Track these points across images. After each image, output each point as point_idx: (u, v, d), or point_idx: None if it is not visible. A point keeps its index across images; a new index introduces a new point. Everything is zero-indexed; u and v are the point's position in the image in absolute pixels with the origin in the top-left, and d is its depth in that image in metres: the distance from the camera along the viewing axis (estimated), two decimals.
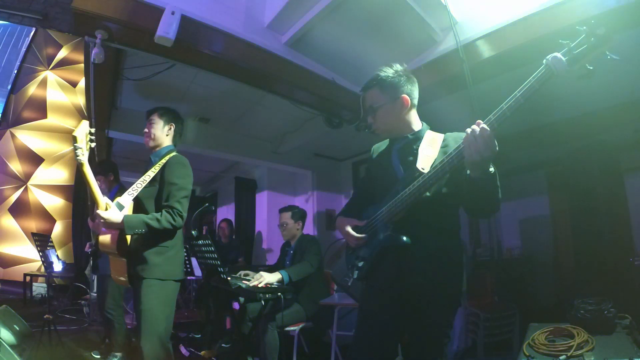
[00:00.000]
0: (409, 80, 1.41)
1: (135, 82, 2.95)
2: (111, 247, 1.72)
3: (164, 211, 1.72)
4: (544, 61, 0.98)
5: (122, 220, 1.64)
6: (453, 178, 1.26)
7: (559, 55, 0.97)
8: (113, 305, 2.78)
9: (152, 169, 1.85)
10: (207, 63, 2.45)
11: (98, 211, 1.63)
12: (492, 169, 1.10)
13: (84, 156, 1.55)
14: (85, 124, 1.59)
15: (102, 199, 1.66)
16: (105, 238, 1.73)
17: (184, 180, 1.82)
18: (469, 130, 1.06)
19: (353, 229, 1.42)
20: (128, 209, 1.74)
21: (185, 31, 2.09)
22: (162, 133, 1.95)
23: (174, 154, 1.91)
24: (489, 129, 1.03)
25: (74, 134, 1.52)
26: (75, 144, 1.52)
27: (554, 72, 0.96)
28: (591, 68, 0.96)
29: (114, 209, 1.66)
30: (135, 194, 1.78)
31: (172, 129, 1.99)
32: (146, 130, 1.96)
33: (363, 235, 1.39)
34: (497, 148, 1.03)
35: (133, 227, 1.65)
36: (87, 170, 1.60)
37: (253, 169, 5.50)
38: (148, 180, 1.82)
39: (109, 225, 1.65)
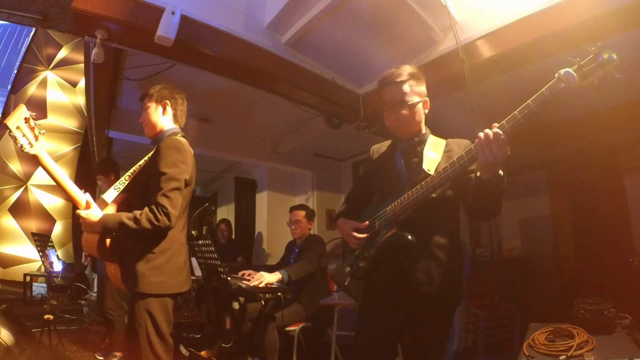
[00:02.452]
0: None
1: (135, 82, 2.95)
2: (92, 250, 1.50)
3: (146, 208, 1.41)
4: (556, 74, 1.05)
5: (99, 219, 1.40)
6: (458, 181, 1.27)
7: (571, 70, 1.04)
8: (113, 305, 2.78)
9: (145, 158, 1.59)
10: (207, 63, 2.45)
11: (78, 210, 1.41)
12: (501, 172, 1.13)
13: (34, 147, 1.30)
14: (22, 109, 1.29)
15: (80, 197, 1.42)
16: (87, 238, 1.50)
17: (176, 168, 1.47)
18: (481, 134, 1.08)
19: (355, 230, 1.42)
20: (113, 207, 1.52)
21: (185, 31, 2.09)
22: (157, 115, 1.64)
23: (173, 137, 1.57)
24: (502, 133, 1.06)
25: (5, 121, 1.26)
26: (11, 133, 1.25)
27: (565, 84, 1.03)
28: (597, 83, 1.05)
29: (94, 207, 1.43)
30: (122, 188, 1.53)
31: (168, 106, 1.66)
32: (141, 120, 1.68)
33: (365, 235, 1.39)
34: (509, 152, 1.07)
35: (109, 228, 1.40)
36: (49, 163, 1.34)
37: (253, 169, 5.50)
38: (137, 171, 1.57)
39: (88, 227, 1.42)
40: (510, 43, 2.17)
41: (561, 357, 1.41)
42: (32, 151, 1.31)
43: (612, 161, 3.33)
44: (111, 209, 1.53)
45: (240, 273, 2.64)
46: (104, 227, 1.40)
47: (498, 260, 4.02)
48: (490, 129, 1.08)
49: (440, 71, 2.50)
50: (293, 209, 3.06)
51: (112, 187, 1.53)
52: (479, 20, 2.28)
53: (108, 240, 1.48)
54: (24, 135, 1.29)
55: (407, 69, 1.38)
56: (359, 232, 1.41)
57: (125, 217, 1.40)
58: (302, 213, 2.98)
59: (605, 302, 1.69)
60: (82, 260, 3.77)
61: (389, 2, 2.22)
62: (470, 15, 2.34)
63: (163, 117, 1.66)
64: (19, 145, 1.28)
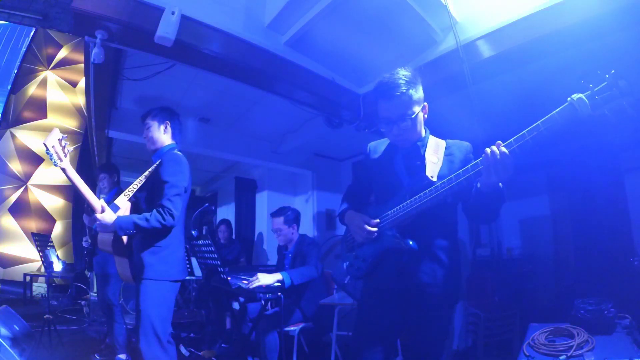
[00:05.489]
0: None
1: (135, 82, 2.95)
2: (108, 247, 1.77)
3: (154, 210, 1.72)
4: (569, 99, 1.01)
5: (114, 222, 1.67)
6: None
7: (584, 98, 1.00)
8: (104, 305, 2.79)
9: (150, 169, 1.87)
10: (207, 63, 2.45)
11: (96, 214, 1.67)
12: (501, 184, 1.12)
13: (62, 162, 1.60)
14: (55, 131, 1.62)
15: (96, 201, 1.69)
16: (103, 238, 1.78)
17: (176, 177, 1.80)
18: (488, 150, 1.07)
19: (367, 223, 1.36)
20: (124, 211, 1.77)
21: (185, 31, 2.09)
22: (160, 133, 1.96)
23: (172, 152, 1.91)
24: (509, 154, 1.05)
25: (43, 141, 1.58)
26: (48, 152, 1.57)
27: (577, 112, 1.00)
28: (609, 115, 1.00)
29: (109, 211, 1.69)
30: (131, 195, 1.81)
31: (169, 126, 1.99)
32: (144, 136, 1.98)
33: (376, 229, 1.35)
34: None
35: (124, 229, 1.68)
36: (72, 175, 1.64)
37: (253, 169, 5.50)
38: (144, 181, 1.85)
39: (105, 228, 1.68)
40: (510, 42, 2.17)
41: (561, 357, 1.41)
42: (61, 165, 1.61)
43: (612, 161, 3.33)
44: (123, 213, 1.78)
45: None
46: (119, 228, 1.66)
47: (498, 260, 4.02)
48: (497, 147, 1.06)
49: (440, 71, 2.50)
50: (272, 216, 2.82)
51: (122, 194, 1.81)
52: (479, 20, 2.28)
53: (125, 238, 1.79)
54: (56, 153, 1.59)
55: (403, 76, 1.27)
56: (371, 226, 1.35)
57: (136, 218, 1.68)
58: (280, 220, 2.76)
59: (605, 302, 1.69)
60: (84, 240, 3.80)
61: (389, 2, 2.22)
62: (470, 15, 2.33)
63: (164, 135, 1.98)
64: (52, 160, 1.59)
